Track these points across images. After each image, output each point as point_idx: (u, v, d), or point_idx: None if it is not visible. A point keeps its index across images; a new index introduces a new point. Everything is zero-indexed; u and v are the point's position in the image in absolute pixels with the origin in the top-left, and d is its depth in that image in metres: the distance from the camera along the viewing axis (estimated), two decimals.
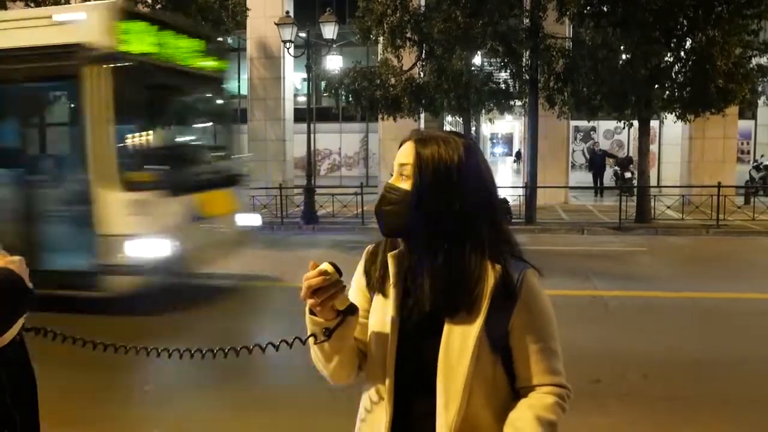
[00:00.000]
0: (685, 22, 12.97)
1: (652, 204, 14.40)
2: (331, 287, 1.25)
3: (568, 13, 13.58)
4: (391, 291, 1.38)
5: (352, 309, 1.33)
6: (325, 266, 1.26)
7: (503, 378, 1.37)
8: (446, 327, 1.33)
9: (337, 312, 1.29)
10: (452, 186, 1.33)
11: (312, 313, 1.30)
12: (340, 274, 1.26)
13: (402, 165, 1.36)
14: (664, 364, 5.18)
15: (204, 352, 1.25)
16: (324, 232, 14.34)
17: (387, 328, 1.37)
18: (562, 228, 13.89)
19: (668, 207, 15.06)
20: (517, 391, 1.38)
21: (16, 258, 1.14)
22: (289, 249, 12.13)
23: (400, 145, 1.42)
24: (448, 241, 1.34)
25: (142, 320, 6.25)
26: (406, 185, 1.34)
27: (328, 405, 4.14)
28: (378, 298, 1.43)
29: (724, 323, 6.50)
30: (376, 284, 1.43)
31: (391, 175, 1.40)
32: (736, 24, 12.69)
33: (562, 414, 1.34)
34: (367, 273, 1.47)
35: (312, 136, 16.20)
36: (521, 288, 1.35)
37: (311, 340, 1.31)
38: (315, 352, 1.38)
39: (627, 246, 11.67)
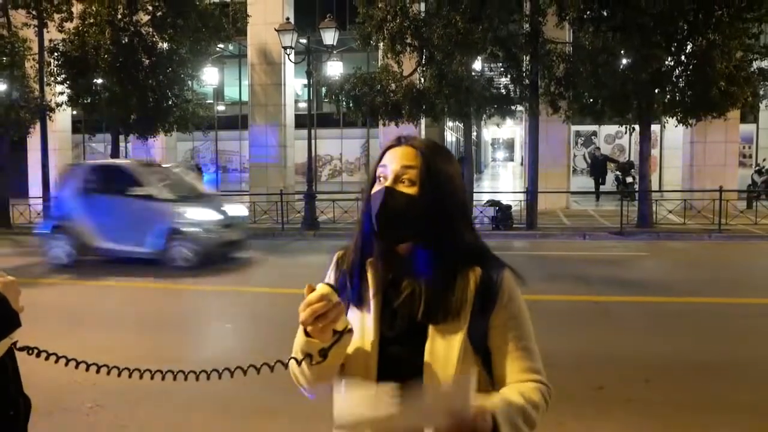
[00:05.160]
0: (685, 26, 12.96)
1: (654, 209, 14.37)
2: (333, 310, 1.21)
3: (567, 18, 13.58)
4: (372, 299, 1.35)
5: (349, 329, 1.30)
6: (324, 288, 1.21)
7: (486, 379, 1.36)
8: (431, 333, 1.31)
9: (334, 331, 1.26)
10: (453, 194, 1.37)
11: (307, 334, 1.26)
12: (338, 293, 1.23)
13: (405, 168, 1.34)
14: (666, 369, 5.16)
15: (198, 373, 1.23)
16: (325, 238, 14.31)
17: (367, 339, 1.34)
18: (563, 233, 13.86)
19: (670, 211, 15.04)
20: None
21: (8, 279, 1.13)
22: (290, 255, 12.13)
23: (385, 150, 1.39)
24: (441, 247, 1.35)
25: None
26: (410, 191, 1.33)
27: (317, 413, 4.13)
28: (354, 308, 1.39)
29: (727, 328, 6.46)
30: (350, 294, 1.39)
31: (379, 179, 1.36)
32: (736, 28, 12.67)
33: (544, 405, 1.33)
34: (338, 281, 1.43)
35: (313, 141, 16.22)
36: (500, 289, 1.36)
37: (306, 361, 1.27)
38: (301, 372, 1.33)
39: (629, 251, 11.64)
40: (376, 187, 1.37)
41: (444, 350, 1.30)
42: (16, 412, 1.17)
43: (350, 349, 1.35)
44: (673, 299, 7.69)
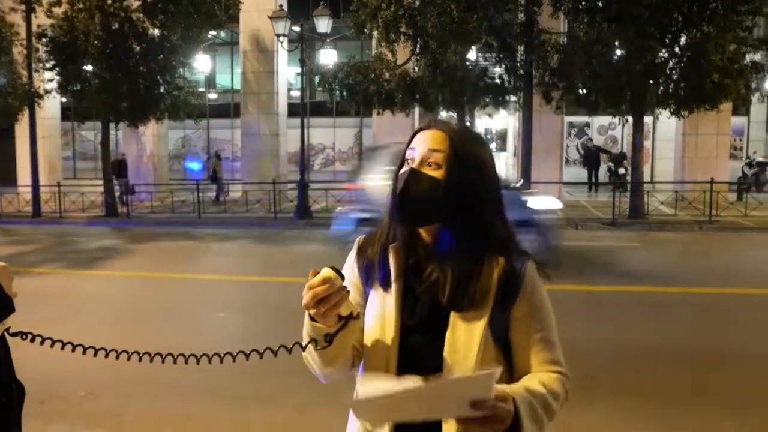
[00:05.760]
0: (679, 18, 12.95)
1: (646, 200, 14.43)
2: (336, 295, 1.18)
3: (562, 8, 13.55)
4: (393, 286, 1.34)
5: (355, 314, 1.28)
6: (328, 272, 1.18)
7: (506, 370, 1.34)
8: (452, 321, 1.29)
9: (339, 317, 1.24)
10: (481, 180, 1.35)
11: (312, 318, 1.24)
12: (343, 278, 1.20)
13: (431, 151, 1.33)
14: (658, 358, 5.18)
15: (187, 356, 1.20)
16: (317, 227, 14.28)
17: (387, 327, 1.32)
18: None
19: (661, 203, 15.10)
20: None
21: (0, 265, 1.12)
22: (283, 244, 12.09)
23: (416, 133, 1.39)
24: (466, 233, 1.33)
25: None
26: (435, 174, 1.32)
27: (318, 400, 4.12)
28: (375, 294, 1.38)
29: (717, 318, 6.51)
30: (373, 278, 1.38)
31: (407, 162, 1.35)
32: (730, 20, 12.69)
33: (565, 395, 1.32)
34: (361, 267, 1.42)
35: (306, 130, 16.13)
36: (523, 280, 1.34)
37: (311, 346, 1.25)
38: (311, 356, 1.32)
39: (620, 241, 11.68)
40: (403, 170, 1.36)
41: (465, 339, 1.28)
42: (9, 398, 1.15)
43: (370, 338, 1.35)
44: (665, 289, 7.72)
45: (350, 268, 1.45)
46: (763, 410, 4.17)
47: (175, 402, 4.35)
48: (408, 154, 1.36)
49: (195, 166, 25.35)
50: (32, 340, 1.18)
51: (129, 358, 1.12)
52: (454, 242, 1.33)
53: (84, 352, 1.14)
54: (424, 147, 1.34)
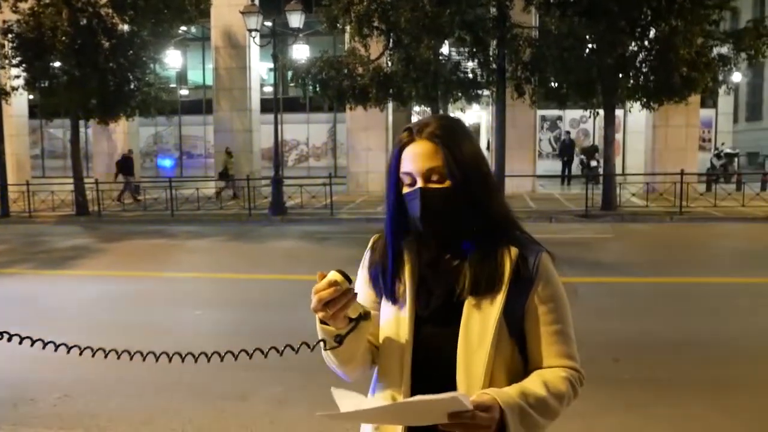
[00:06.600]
0: (649, 12, 13.16)
1: (618, 191, 14.65)
2: (342, 298, 1.20)
3: (534, 2, 13.66)
4: (407, 279, 1.35)
5: (364, 315, 1.29)
6: (335, 276, 1.19)
7: (521, 363, 1.35)
8: (465, 312, 1.30)
9: (349, 319, 1.25)
10: (480, 173, 1.34)
11: (323, 321, 1.26)
12: (350, 281, 1.21)
13: (430, 169, 1.30)
14: (634, 347, 5.27)
15: (182, 355, 1.19)
16: (293, 223, 14.22)
17: (402, 319, 1.34)
18: (530, 216, 14.01)
19: (633, 194, 15.36)
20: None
21: None
22: (258, 241, 12.01)
23: (402, 148, 1.34)
24: (476, 222, 1.33)
25: None
26: (443, 185, 1.31)
27: (295, 396, 4.11)
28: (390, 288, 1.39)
29: (690, 307, 6.64)
30: (387, 275, 1.39)
31: (405, 182, 1.33)
32: (697, 14, 12.93)
33: (572, 393, 1.32)
34: (373, 263, 1.43)
35: (279, 126, 16.01)
36: (537, 271, 1.34)
37: (321, 346, 1.26)
38: (327, 356, 1.33)
39: (594, 233, 11.85)
40: (406, 189, 1.33)
41: (479, 328, 1.29)
42: None
43: (385, 330, 1.36)
44: (639, 279, 7.86)
45: (366, 267, 1.46)
46: (739, 398, 4.26)
47: (151, 401, 4.30)
48: (404, 178, 1.33)
49: (168, 163, 25.04)
50: (9, 339, 1.16)
51: (119, 357, 1.10)
52: (466, 233, 1.34)
53: (68, 351, 1.11)
54: (420, 166, 1.31)
